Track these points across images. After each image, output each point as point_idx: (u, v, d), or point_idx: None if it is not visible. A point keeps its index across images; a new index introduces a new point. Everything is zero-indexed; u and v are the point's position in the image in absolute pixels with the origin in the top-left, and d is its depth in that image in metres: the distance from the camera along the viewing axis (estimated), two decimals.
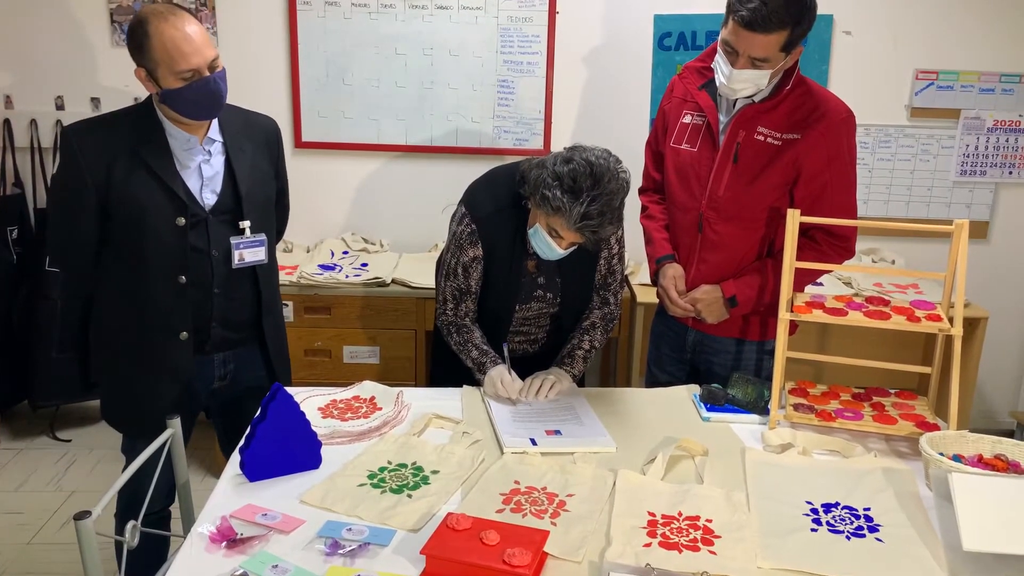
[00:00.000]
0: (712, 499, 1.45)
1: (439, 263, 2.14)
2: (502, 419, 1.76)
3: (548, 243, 1.79)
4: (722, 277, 1.97)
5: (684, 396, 1.92)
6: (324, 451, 1.58)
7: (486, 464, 1.58)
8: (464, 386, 1.94)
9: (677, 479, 1.54)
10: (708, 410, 1.82)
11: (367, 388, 1.90)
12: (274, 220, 2.01)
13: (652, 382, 2.20)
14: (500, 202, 1.88)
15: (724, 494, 1.47)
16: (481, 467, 1.57)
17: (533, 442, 1.66)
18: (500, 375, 1.87)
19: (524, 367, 1.96)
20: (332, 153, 3.19)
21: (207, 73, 1.72)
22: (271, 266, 1.97)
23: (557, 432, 1.70)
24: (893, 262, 3.18)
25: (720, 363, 2.05)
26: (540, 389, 1.88)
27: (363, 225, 3.29)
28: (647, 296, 2.85)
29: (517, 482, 1.50)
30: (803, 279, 1.94)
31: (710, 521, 1.38)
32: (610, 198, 1.68)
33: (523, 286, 1.97)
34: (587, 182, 1.68)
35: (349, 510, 1.41)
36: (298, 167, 3.07)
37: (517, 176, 1.83)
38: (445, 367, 2.10)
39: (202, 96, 1.72)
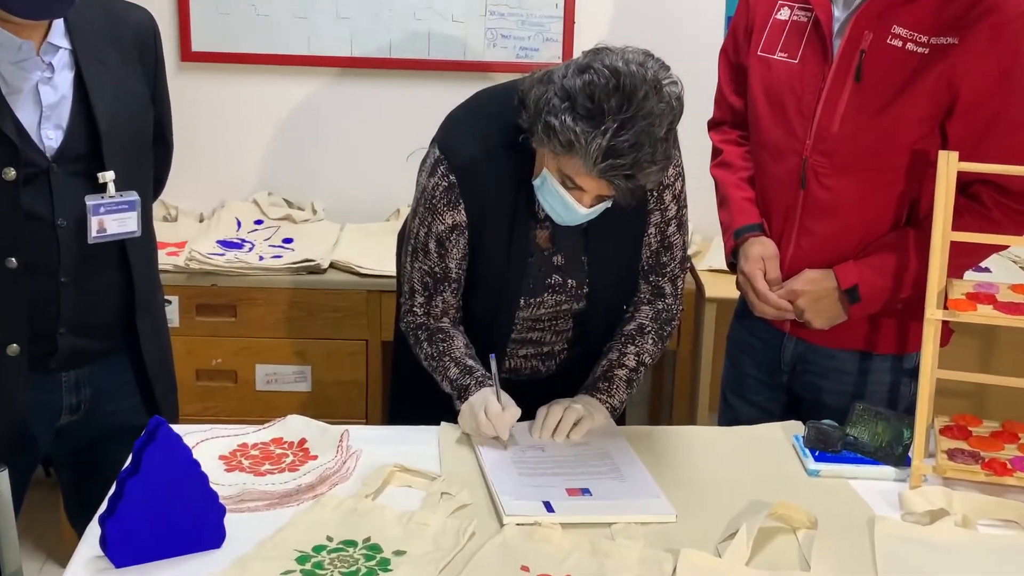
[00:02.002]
0: None
1: (402, 237, 2.15)
2: (501, 472, 1.75)
3: (562, 199, 1.78)
4: (837, 257, 1.96)
5: (780, 438, 1.92)
6: (229, 521, 1.56)
7: (477, 541, 1.55)
8: (443, 423, 1.92)
9: (770, 563, 1.53)
10: (817, 459, 1.82)
11: (294, 427, 1.88)
12: (150, 170, 1.99)
13: (729, 418, 2.20)
14: (491, 141, 1.87)
15: None
16: (470, 546, 1.54)
17: (548, 507, 1.64)
18: (484, 401, 1.86)
19: (535, 397, 1.94)
20: (237, 70, 3.18)
21: None
22: (147, 240, 1.95)
23: (585, 492, 1.69)
24: None
25: (834, 389, 2.04)
26: (560, 425, 1.87)
27: (286, 181, 3.27)
28: (721, 287, 2.79)
29: (526, 568, 1.48)
30: (962, 260, 1.92)
31: None
32: (648, 124, 1.66)
33: (531, 270, 1.95)
34: (612, 100, 1.66)
35: None
36: (185, 91, 3.00)
37: (515, 100, 1.81)
38: (413, 395, 2.09)
39: None
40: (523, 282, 1.96)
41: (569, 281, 1.99)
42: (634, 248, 1.99)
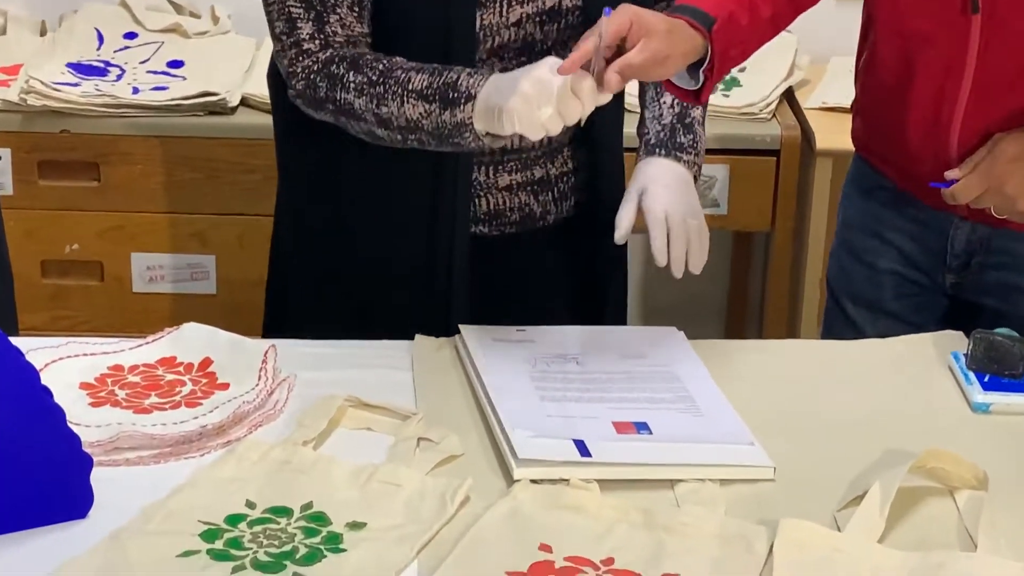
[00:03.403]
0: None
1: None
2: (513, 397, 1.71)
3: None
4: None
5: (930, 357, 1.88)
6: (98, 479, 1.53)
7: (475, 509, 1.52)
8: (419, 336, 1.87)
9: (916, 539, 1.50)
10: (986, 387, 1.79)
11: (193, 341, 1.86)
12: None
13: (840, 328, 2.19)
14: None
15: None
16: (462, 516, 1.50)
17: (583, 449, 1.59)
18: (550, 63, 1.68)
19: (529, 268, 2.02)
20: None
21: None
22: None
23: (641, 427, 1.67)
24: None
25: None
26: (691, 249, 1.88)
27: None
28: (840, 135, 2.69)
29: (546, 548, 1.46)
30: None
31: None
32: None
33: None
34: None
35: None
36: None
37: None
38: (367, 289, 2.03)
39: None
40: None
41: None
42: None
